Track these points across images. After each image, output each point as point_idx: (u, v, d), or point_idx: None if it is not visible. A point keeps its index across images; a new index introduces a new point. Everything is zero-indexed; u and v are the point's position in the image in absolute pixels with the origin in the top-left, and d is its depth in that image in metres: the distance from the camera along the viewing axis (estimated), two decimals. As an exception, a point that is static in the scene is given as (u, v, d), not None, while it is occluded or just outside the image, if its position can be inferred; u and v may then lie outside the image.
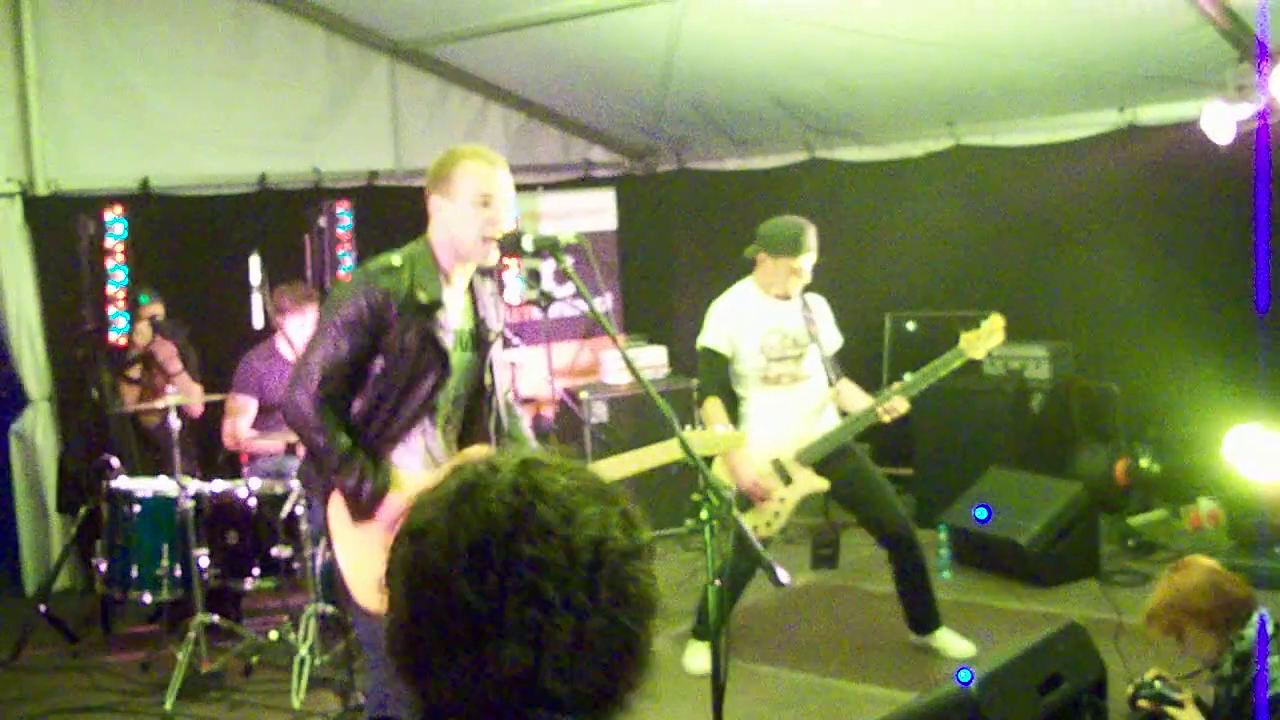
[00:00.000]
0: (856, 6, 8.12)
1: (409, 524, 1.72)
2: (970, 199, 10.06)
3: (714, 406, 6.79)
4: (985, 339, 6.87)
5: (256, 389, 7.72)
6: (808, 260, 6.80)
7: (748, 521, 6.65)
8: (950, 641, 6.88)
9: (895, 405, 6.71)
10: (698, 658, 6.93)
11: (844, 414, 6.88)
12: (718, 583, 4.09)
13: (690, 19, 8.48)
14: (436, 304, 4.58)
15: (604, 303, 10.55)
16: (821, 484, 6.82)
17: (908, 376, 6.79)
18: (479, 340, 4.75)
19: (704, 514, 4.00)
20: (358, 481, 4.45)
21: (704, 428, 6.76)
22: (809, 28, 8.44)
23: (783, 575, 4.07)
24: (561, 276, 9.87)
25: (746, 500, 6.71)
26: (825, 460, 6.79)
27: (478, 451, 4.68)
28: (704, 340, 6.98)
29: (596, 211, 10.65)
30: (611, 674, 1.69)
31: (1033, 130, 9.48)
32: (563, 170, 11.21)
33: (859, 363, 10.00)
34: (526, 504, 1.67)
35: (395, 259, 4.64)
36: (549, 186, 10.65)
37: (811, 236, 6.81)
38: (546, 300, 8.51)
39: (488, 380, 4.77)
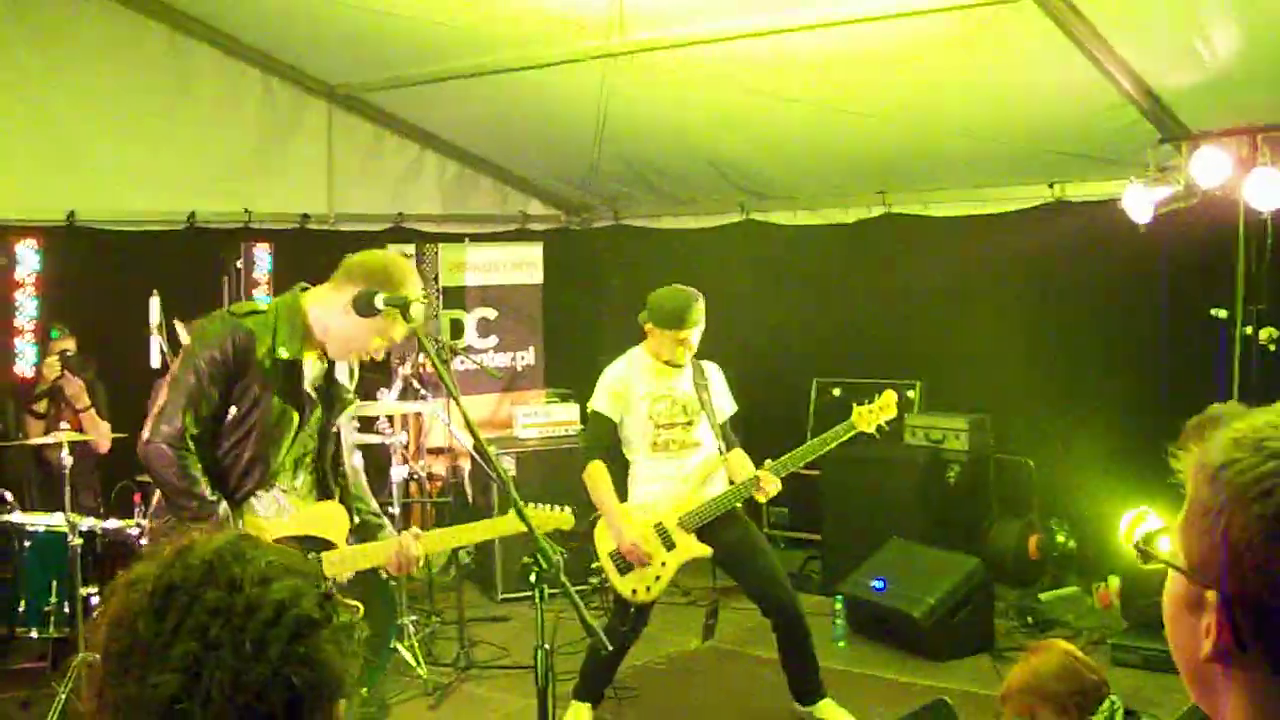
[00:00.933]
0: (790, 75, 8.16)
1: (126, 574, 1.76)
2: (900, 267, 10.11)
3: (596, 471, 6.78)
4: (878, 413, 6.90)
5: None
6: (694, 333, 6.84)
7: (628, 584, 6.67)
8: (832, 712, 6.87)
9: (765, 485, 6.73)
10: None
11: (732, 482, 6.88)
12: (546, 647, 4.10)
13: (622, 78, 8.51)
14: (295, 362, 4.60)
15: (524, 356, 10.58)
16: (703, 550, 6.81)
17: (784, 456, 6.80)
18: (330, 400, 4.78)
19: (531, 577, 4.01)
20: (215, 523, 4.46)
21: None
22: (741, 92, 8.49)
23: (606, 642, 4.11)
24: (484, 328, 9.96)
25: (627, 563, 6.70)
26: (709, 527, 6.79)
27: (326, 508, 4.71)
28: (593, 403, 7.00)
29: (523, 265, 10.67)
30: None
31: (964, 202, 9.54)
32: (497, 221, 11.22)
33: (784, 427, 10.05)
34: (224, 563, 1.71)
35: (262, 306, 4.69)
36: (475, 238, 10.66)
37: (699, 310, 6.84)
38: (449, 354, 8.55)
39: (331, 440, 4.81)
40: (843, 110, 8.47)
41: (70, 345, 8.03)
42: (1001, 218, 9.39)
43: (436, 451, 9.88)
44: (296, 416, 4.64)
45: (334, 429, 4.83)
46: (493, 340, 10.21)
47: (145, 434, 4.60)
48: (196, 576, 1.69)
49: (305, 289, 4.81)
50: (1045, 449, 9.47)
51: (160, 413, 4.57)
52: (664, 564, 6.77)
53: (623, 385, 6.94)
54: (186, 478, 4.46)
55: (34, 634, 7.19)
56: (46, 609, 7.12)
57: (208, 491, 4.48)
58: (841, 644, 8.15)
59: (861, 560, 8.59)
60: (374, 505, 5.10)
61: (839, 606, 8.29)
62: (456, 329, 9.59)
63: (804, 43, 7.70)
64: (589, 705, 6.94)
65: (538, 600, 4.06)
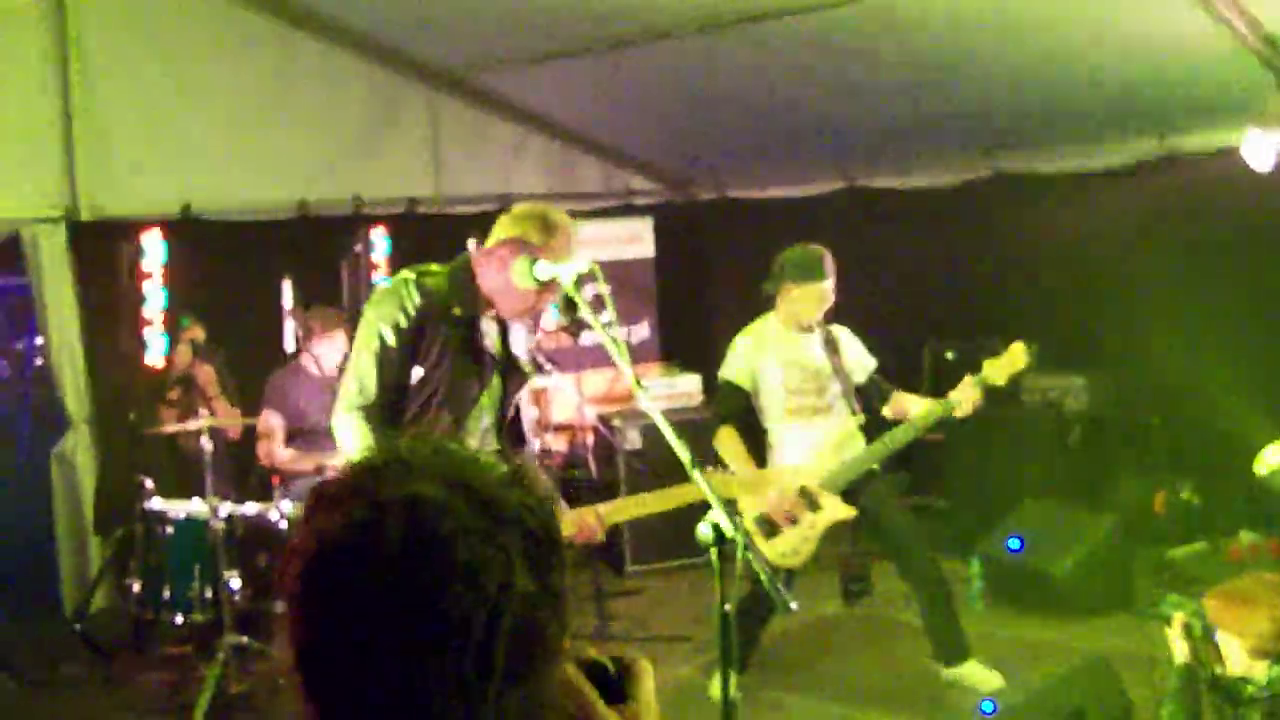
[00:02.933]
0: (891, 36, 8.11)
1: (297, 570, 1.54)
2: (1010, 227, 10.03)
3: (727, 436, 6.76)
4: (1008, 366, 6.84)
5: (282, 406, 7.76)
6: (831, 285, 6.82)
7: (774, 549, 6.65)
8: (978, 674, 6.82)
9: (973, 395, 6.82)
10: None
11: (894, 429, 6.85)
12: (727, 608, 4.04)
13: (726, 47, 8.49)
14: (473, 320, 4.62)
15: (639, 329, 10.56)
16: (848, 511, 6.79)
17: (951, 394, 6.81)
18: (507, 369, 4.78)
19: (709, 538, 3.98)
20: None
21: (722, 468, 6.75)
22: (844, 56, 8.44)
23: (792, 604, 4.06)
24: (599, 303, 9.90)
25: (772, 527, 6.69)
26: (851, 488, 6.77)
27: None
28: (724, 373, 7.02)
29: (634, 239, 10.67)
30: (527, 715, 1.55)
31: (1071, 158, 9.43)
32: (603, 198, 11.23)
33: (898, 388, 10.01)
34: (420, 556, 1.48)
35: (435, 266, 4.71)
36: (587, 214, 10.68)
37: (830, 263, 6.83)
38: (578, 328, 8.52)
39: (511, 408, 4.81)
40: (945, 68, 8.41)
41: (199, 334, 8.13)
42: (1112, 173, 9.29)
43: (560, 428, 9.89)
44: (478, 377, 4.65)
45: (514, 398, 4.83)
46: (606, 315, 10.19)
47: (336, 407, 4.65)
48: (388, 584, 1.47)
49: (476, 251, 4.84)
50: (1168, 405, 9.37)
51: (346, 384, 4.62)
52: (811, 526, 6.75)
53: (754, 353, 6.95)
54: (369, 441, 4.50)
55: (178, 619, 7.26)
56: (190, 594, 7.20)
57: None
58: (979, 605, 8.09)
59: (987, 523, 8.53)
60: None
61: (975, 568, 8.22)
62: (570, 305, 9.57)
63: (904, 4, 7.64)
64: (734, 673, 6.91)
65: (715, 564, 4.01)
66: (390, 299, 4.64)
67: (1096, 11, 7.43)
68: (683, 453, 4.17)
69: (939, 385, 10.22)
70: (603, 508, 4.90)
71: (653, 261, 10.74)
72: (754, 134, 10.27)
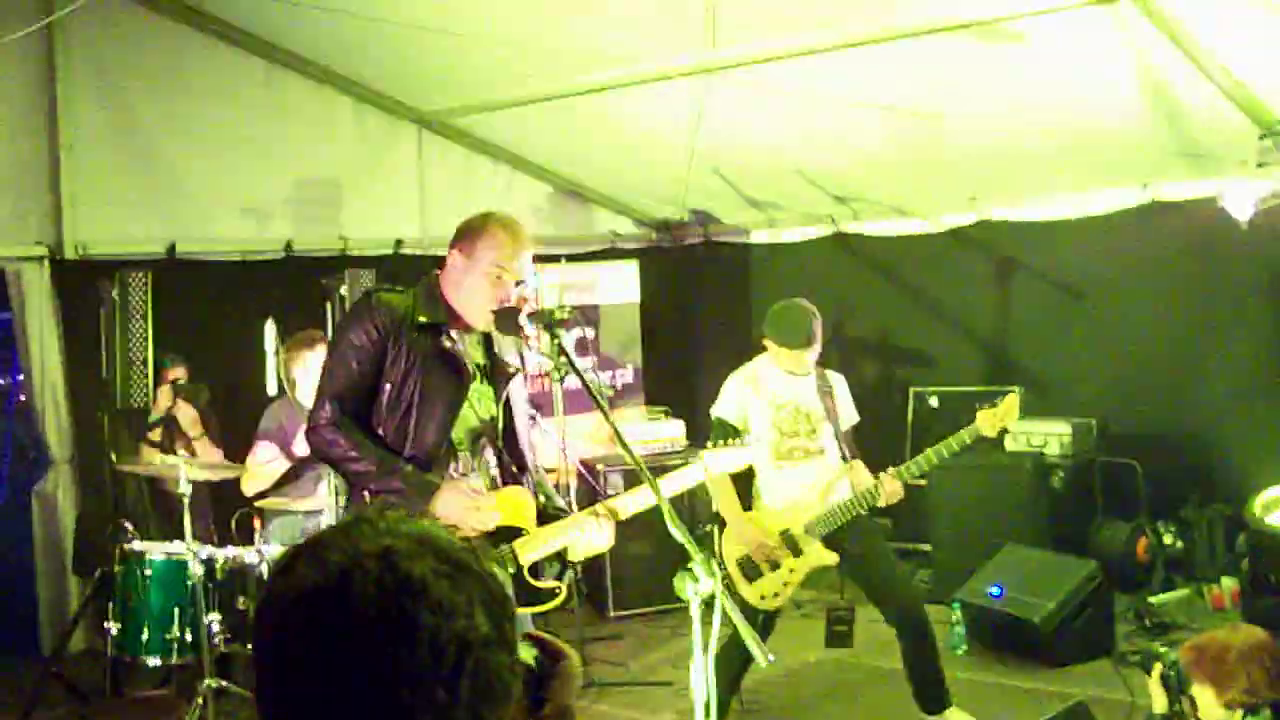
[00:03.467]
0: (880, 84, 8.15)
1: (270, 623, 1.67)
2: (994, 274, 10.09)
3: (721, 476, 6.73)
4: (1001, 417, 6.81)
5: (279, 436, 7.73)
6: (814, 352, 6.85)
7: (754, 592, 6.65)
8: None
9: (888, 489, 6.68)
10: None
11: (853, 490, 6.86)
12: (706, 658, 4.03)
13: (713, 95, 8.53)
14: (439, 325, 4.61)
15: (623, 374, 10.56)
16: (830, 558, 6.77)
17: (907, 462, 6.74)
18: (494, 374, 4.75)
19: (688, 592, 3.96)
20: (403, 476, 4.47)
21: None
22: (832, 104, 8.48)
23: (768, 657, 4.06)
24: (582, 347, 9.93)
25: (754, 569, 6.69)
26: (835, 534, 6.76)
27: (510, 493, 4.68)
28: (716, 410, 6.99)
29: (620, 283, 10.68)
30: None
31: (1057, 206, 9.46)
32: (589, 242, 11.25)
33: (882, 437, 10.01)
34: (394, 605, 1.61)
35: (399, 286, 4.72)
36: (572, 258, 10.70)
37: (818, 327, 6.84)
38: (560, 371, 8.52)
39: (504, 415, 4.76)
40: (931, 115, 8.45)
41: (182, 374, 8.12)
42: (1096, 221, 9.32)
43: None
44: (455, 385, 4.62)
45: (502, 405, 4.78)
46: (591, 359, 10.20)
47: (309, 424, 4.64)
48: (371, 632, 1.60)
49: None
50: (1151, 451, 9.38)
51: (317, 399, 4.61)
52: (791, 570, 6.75)
53: (747, 393, 6.93)
54: (353, 443, 4.48)
55: (157, 661, 7.22)
56: (169, 636, 7.14)
57: (378, 452, 4.49)
58: (961, 651, 8.07)
59: (971, 568, 8.53)
60: (558, 500, 5.05)
61: (957, 614, 8.21)
62: (561, 350, 9.59)
63: (893, 51, 7.68)
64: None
65: (695, 614, 3.99)
66: (353, 314, 4.70)
67: (1084, 61, 7.48)
68: (661, 499, 4.18)
69: (922, 431, 10.28)
70: (602, 505, 4.86)
71: (638, 306, 10.74)
72: (739, 178, 10.29)
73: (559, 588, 4.69)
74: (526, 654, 1.90)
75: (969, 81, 7.99)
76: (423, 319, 4.60)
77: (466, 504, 4.50)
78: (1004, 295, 10.15)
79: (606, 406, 4.54)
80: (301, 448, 7.65)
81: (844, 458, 6.92)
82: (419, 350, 4.58)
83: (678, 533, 4.06)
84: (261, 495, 7.62)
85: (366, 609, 1.60)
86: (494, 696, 1.66)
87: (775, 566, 6.73)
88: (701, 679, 4.00)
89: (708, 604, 4.02)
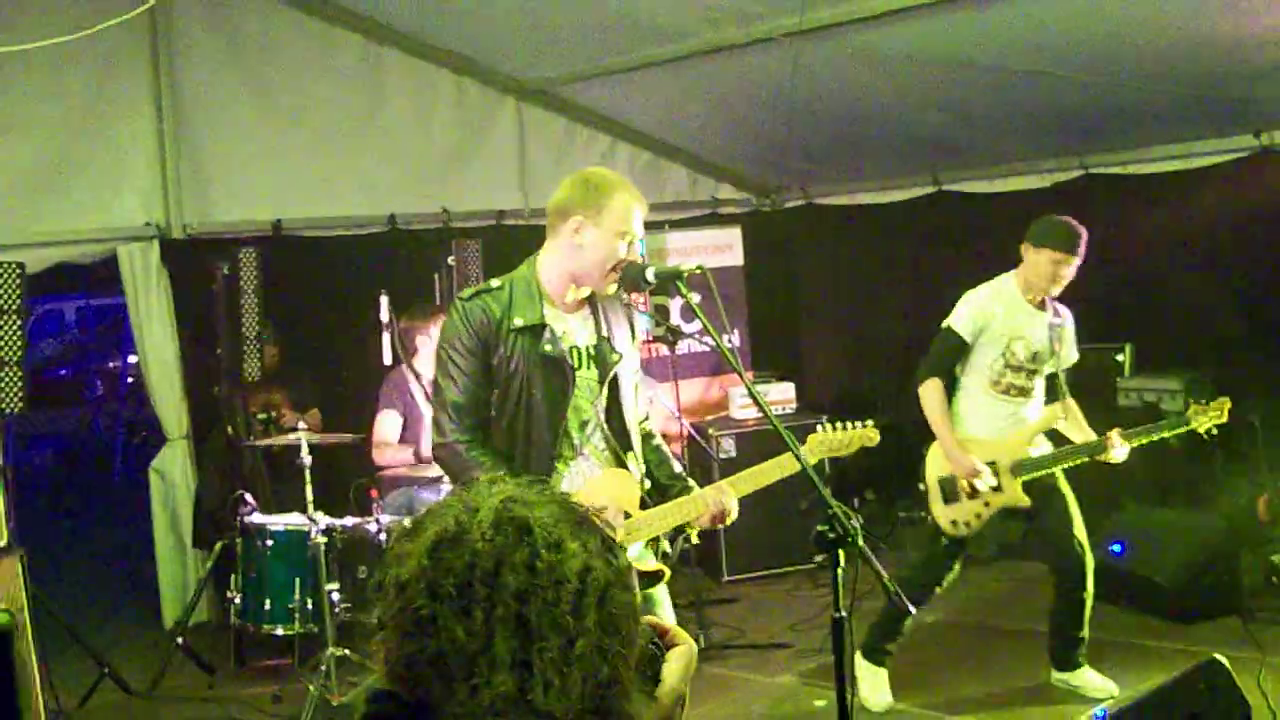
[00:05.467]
0: (978, 41, 8.04)
1: (394, 577, 1.76)
2: (1100, 229, 9.89)
3: (937, 389, 6.65)
4: (1212, 417, 6.69)
5: (399, 403, 7.79)
6: (1075, 265, 6.75)
7: (949, 514, 6.65)
8: (1091, 680, 6.72)
9: (1112, 449, 6.66)
10: (880, 693, 6.81)
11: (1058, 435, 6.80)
12: (842, 614, 3.98)
13: (810, 55, 8.45)
14: (537, 326, 4.57)
15: (731, 339, 10.52)
16: (1025, 500, 6.66)
17: (1134, 429, 6.73)
18: (600, 358, 4.70)
19: (828, 538, 3.91)
20: None
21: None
22: (933, 60, 8.38)
23: (911, 610, 4.02)
24: (689, 312, 9.87)
25: (954, 492, 6.66)
26: (1030, 481, 6.68)
27: (612, 475, 4.66)
28: (951, 321, 6.79)
29: (723, 248, 10.63)
30: (597, 694, 1.72)
31: (1164, 158, 9.29)
32: (690, 207, 11.22)
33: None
34: (509, 540, 1.71)
35: (494, 281, 4.67)
36: (675, 224, 10.68)
37: (1081, 243, 6.75)
38: (674, 336, 8.49)
39: (609, 396, 4.71)
40: (1033, 71, 8.32)
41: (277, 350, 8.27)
42: (1205, 171, 9.15)
43: (651, 436, 9.87)
44: (561, 383, 4.59)
45: (616, 387, 4.73)
46: (697, 325, 10.16)
47: (431, 440, 4.64)
48: (486, 564, 1.70)
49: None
50: (1268, 405, 9.20)
51: (435, 418, 4.60)
52: (987, 504, 6.66)
53: (987, 312, 6.76)
54: (479, 468, 4.45)
55: (279, 631, 7.34)
56: (290, 606, 7.27)
57: (500, 460, 4.48)
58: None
59: (1089, 527, 8.41)
60: (676, 468, 5.02)
61: (1077, 572, 8.10)
62: (662, 314, 9.64)
63: (993, 5, 7.56)
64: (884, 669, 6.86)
65: (834, 566, 3.95)
66: (450, 326, 4.60)
67: (1191, 9, 7.33)
68: (791, 440, 4.14)
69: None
70: (732, 480, 4.84)
71: (742, 270, 10.70)
72: (841, 139, 10.21)
73: (663, 570, 4.65)
74: (642, 636, 1.94)
75: (1072, 34, 7.85)
76: (519, 321, 4.56)
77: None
78: (1111, 251, 9.96)
79: (741, 367, 4.49)
80: (413, 420, 7.73)
81: (1059, 397, 6.85)
82: (521, 353, 4.53)
83: (817, 484, 4.02)
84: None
85: (487, 548, 1.70)
86: (619, 632, 1.74)
87: (973, 495, 6.63)
88: (843, 633, 3.95)
89: (848, 557, 3.96)
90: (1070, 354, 6.97)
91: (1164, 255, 9.68)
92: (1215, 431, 6.80)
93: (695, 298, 4.42)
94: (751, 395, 4.31)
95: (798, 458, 4.11)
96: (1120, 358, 9.88)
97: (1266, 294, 9.19)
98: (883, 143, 10.14)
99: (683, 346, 9.50)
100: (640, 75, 9.29)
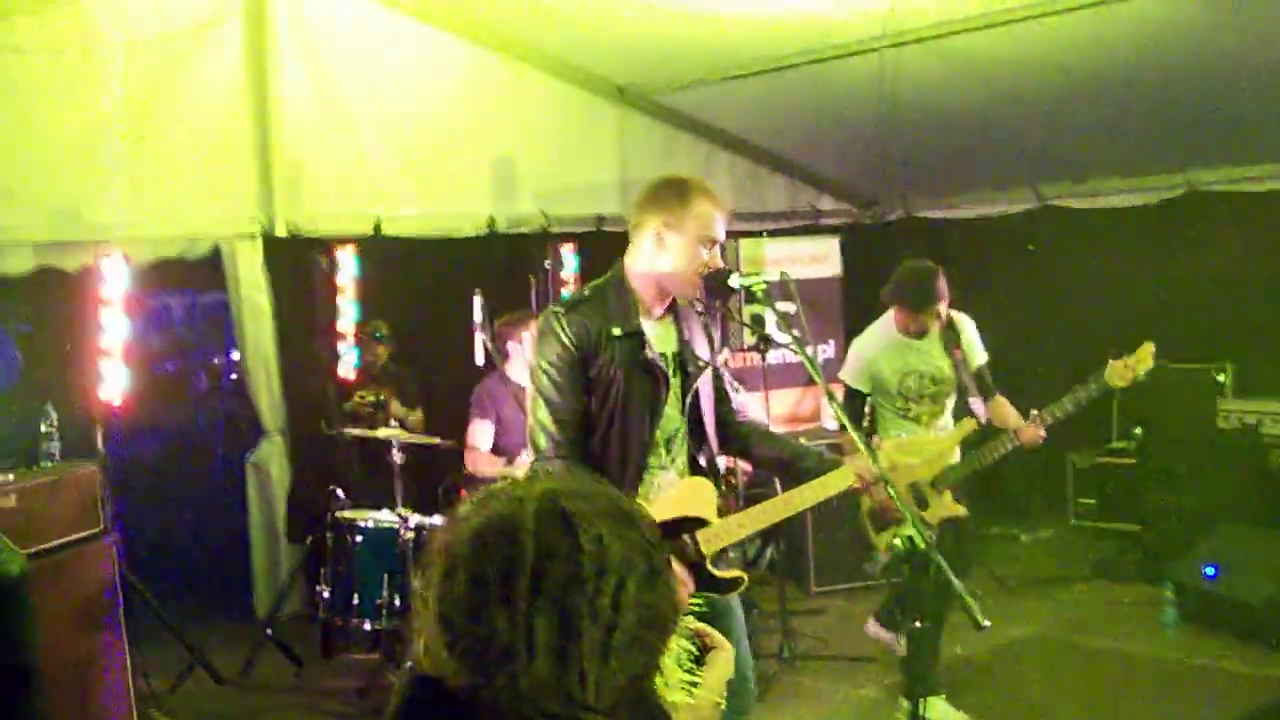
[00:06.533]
0: (1078, 48, 7.94)
1: (439, 564, 1.81)
2: (1204, 246, 9.78)
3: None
4: (1132, 367, 6.61)
5: (493, 413, 7.84)
6: (941, 309, 6.83)
7: (887, 540, 6.62)
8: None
9: (1030, 435, 6.62)
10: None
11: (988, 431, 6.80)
12: (919, 624, 3.98)
13: (907, 63, 8.41)
14: (636, 333, 4.57)
15: (825, 350, 10.47)
16: (960, 510, 6.68)
17: (1045, 410, 6.64)
18: (683, 367, 4.70)
19: (900, 545, 3.92)
20: None
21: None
22: (1029, 69, 8.30)
23: (985, 622, 3.99)
24: (786, 322, 9.85)
25: (884, 521, 6.70)
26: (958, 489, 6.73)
27: (690, 484, 4.65)
28: (843, 374, 7.22)
29: (820, 258, 10.58)
30: (633, 685, 1.76)
31: (1271, 176, 9.14)
32: (790, 217, 11.21)
33: (1086, 414, 9.81)
34: (553, 532, 1.75)
35: (585, 291, 4.65)
36: (773, 233, 10.67)
37: (942, 286, 6.81)
38: (767, 345, 8.50)
39: (692, 405, 4.70)
40: (1135, 82, 8.22)
41: (385, 348, 8.32)
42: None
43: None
44: (655, 391, 4.58)
45: (696, 397, 4.73)
46: (794, 334, 10.14)
47: (531, 458, 4.62)
48: (531, 554, 1.74)
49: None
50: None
51: (531, 433, 4.59)
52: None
53: (867, 359, 7.10)
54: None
55: (367, 625, 7.41)
56: (379, 601, 7.34)
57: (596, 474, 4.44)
58: (1171, 632, 7.86)
59: (1180, 548, 8.32)
60: (793, 444, 5.00)
61: (1169, 594, 8.00)
62: (758, 323, 9.62)
63: (1091, 15, 7.47)
64: (941, 698, 6.79)
65: (908, 579, 3.95)
66: (545, 339, 4.56)
67: None
68: (865, 449, 4.16)
69: (1128, 407, 10.07)
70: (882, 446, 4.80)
71: (839, 281, 10.66)
72: (942, 151, 10.16)
73: (741, 577, 4.62)
74: (687, 643, 1.97)
75: (1173, 44, 7.73)
76: (617, 331, 4.56)
77: None
78: (1215, 268, 9.83)
79: (821, 376, 4.48)
80: (508, 424, 7.77)
81: (989, 395, 6.93)
82: (618, 363, 4.52)
83: (896, 499, 4.03)
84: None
85: (530, 537, 1.75)
86: (657, 626, 1.79)
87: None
88: (914, 643, 3.96)
89: (921, 567, 3.98)
90: (977, 356, 7.06)
91: (1266, 275, 9.53)
92: (1144, 379, 6.73)
93: (786, 307, 4.42)
94: (830, 402, 4.31)
95: (884, 479, 4.15)
96: (1221, 377, 9.76)
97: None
98: (984, 154, 10.06)
99: (776, 356, 9.47)
100: (740, 84, 9.29)
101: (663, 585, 1.80)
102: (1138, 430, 9.86)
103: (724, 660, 2.07)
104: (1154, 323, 10.05)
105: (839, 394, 7.09)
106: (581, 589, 1.71)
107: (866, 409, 7.20)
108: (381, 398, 8.48)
